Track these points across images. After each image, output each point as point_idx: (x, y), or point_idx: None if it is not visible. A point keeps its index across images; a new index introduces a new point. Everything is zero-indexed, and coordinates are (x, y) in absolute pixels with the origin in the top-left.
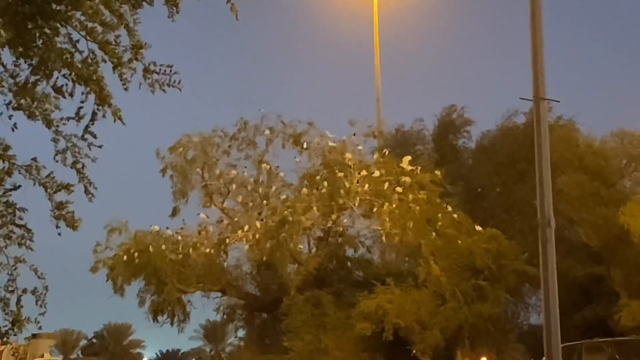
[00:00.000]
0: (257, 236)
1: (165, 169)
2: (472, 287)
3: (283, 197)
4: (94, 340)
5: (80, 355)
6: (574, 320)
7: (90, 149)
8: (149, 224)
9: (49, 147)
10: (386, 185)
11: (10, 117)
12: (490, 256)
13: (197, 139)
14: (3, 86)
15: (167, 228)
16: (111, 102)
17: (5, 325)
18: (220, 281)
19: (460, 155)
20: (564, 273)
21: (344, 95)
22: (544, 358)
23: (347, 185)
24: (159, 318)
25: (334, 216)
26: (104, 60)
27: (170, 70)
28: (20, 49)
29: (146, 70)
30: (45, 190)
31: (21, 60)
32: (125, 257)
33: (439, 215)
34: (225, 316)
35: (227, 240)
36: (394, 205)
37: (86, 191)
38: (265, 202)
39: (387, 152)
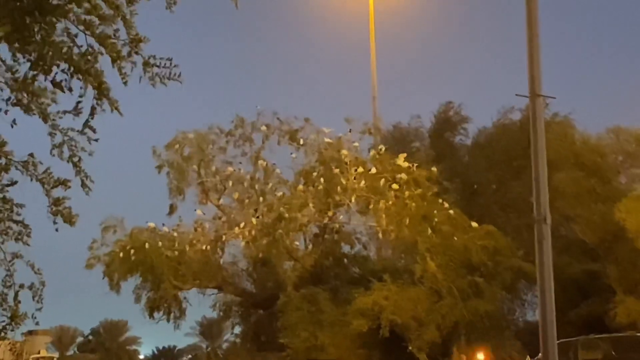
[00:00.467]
0: (253, 233)
1: (162, 166)
2: (468, 283)
3: (279, 194)
4: (90, 337)
5: (77, 352)
6: (569, 317)
7: (90, 143)
8: (145, 221)
9: (45, 142)
10: (382, 182)
11: (6, 112)
12: (487, 253)
13: (193, 136)
14: (0, 81)
15: (163, 225)
16: (110, 95)
17: (3, 321)
18: (217, 278)
19: (457, 152)
20: (560, 270)
21: (340, 92)
22: (540, 354)
23: (344, 182)
24: (155, 315)
25: (330, 213)
26: (101, 53)
27: (170, 64)
28: (17, 45)
29: (146, 64)
30: (43, 186)
31: (19, 56)
32: (121, 254)
33: (435, 212)
34: (221, 313)
35: (223, 237)
36: (390, 202)
37: (83, 185)
38: (261, 199)
39: (383, 149)
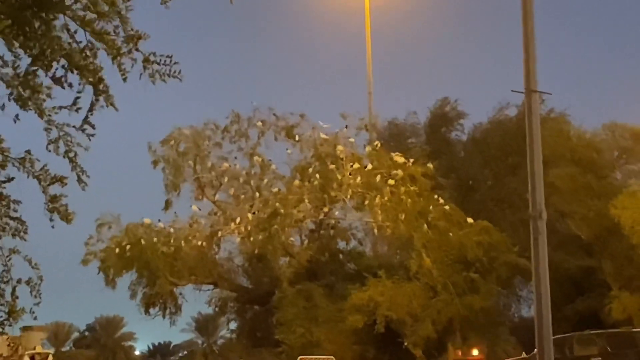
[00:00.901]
0: (249, 228)
1: (157, 161)
2: (464, 279)
3: (275, 189)
4: (86, 333)
5: (72, 348)
6: (565, 313)
7: (90, 140)
8: (141, 217)
9: (41, 138)
10: (378, 177)
11: (3, 107)
12: (482, 249)
13: (188, 132)
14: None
15: (159, 221)
16: (108, 92)
17: (1, 316)
18: (212, 274)
19: (453, 148)
20: (556, 265)
21: (336, 87)
22: (535, 350)
23: (339, 177)
24: (151, 311)
25: (325, 209)
26: (97, 49)
27: (170, 61)
28: (14, 41)
29: (146, 61)
30: (39, 183)
31: (19, 51)
32: (117, 250)
33: (431, 207)
34: (217, 309)
35: (219, 233)
36: (386, 198)
37: (79, 180)
38: (257, 194)
39: (379, 145)
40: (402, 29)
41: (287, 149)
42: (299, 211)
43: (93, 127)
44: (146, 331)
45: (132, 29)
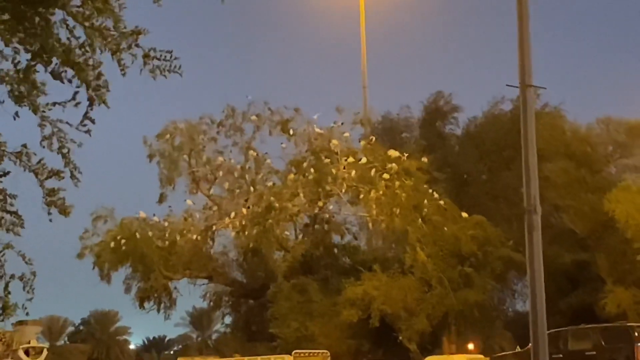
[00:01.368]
0: (243, 223)
1: (153, 155)
2: (459, 273)
3: (270, 183)
4: (81, 327)
5: (67, 342)
6: (560, 307)
7: (90, 136)
8: (136, 211)
9: (38, 132)
10: (373, 171)
11: (2, 102)
12: (477, 243)
13: (184, 126)
14: None
15: (154, 215)
16: (101, 90)
17: None
18: (207, 268)
19: (447, 142)
20: (550, 260)
21: (330, 82)
22: (530, 344)
23: (334, 171)
24: (146, 305)
25: (320, 203)
26: (93, 46)
27: (171, 56)
28: (14, 36)
29: (146, 56)
30: (36, 177)
31: (19, 47)
32: (112, 244)
33: (426, 202)
34: (211, 303)
35: (214, 227)
36: (381, 192)
37: (72, 176)
38: (252, 188)
39: (373, 139)
40: (397, 23)
41: (281, 143)
42: (294, 205)
43: (93, 121)
44: (141, 325)
45: (125, 27)
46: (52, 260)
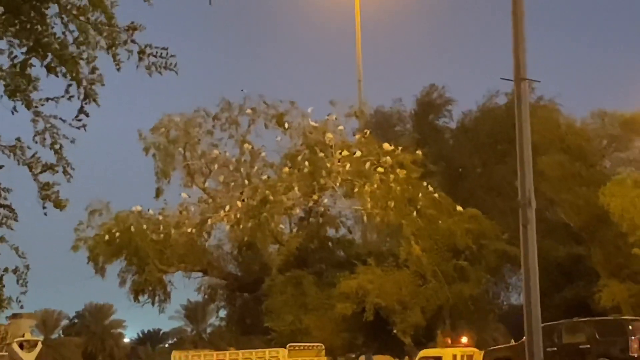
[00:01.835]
0: (238, 216)
1: (148, 148)
2: (453, 267)
3: (265, 177)
4: (75, 321)
5: (62, 335)
6: (554, 300)
7: (86, 130)
8: (131, 205)
9: (29, 127)
10: (367, 165)
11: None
12: (471, 236)
13: (179, 119)
14: None
15: (148, 210)
16: (92, 87)
17: None
18: (202, 261)
19: (441, 135)
20: (545, 253)
21: (325, 75)
22: (524, 338)
23: (329, 165)
24: (140, 298)
25: (315, 196)
26: (85, 39)
27: (167, 53)
28: (8, 29)
29: (142, 52)
30: (30, 171)
31: (14, 41)
32: (106, 237)
33: (420, 195)
34: (206, 296)
35: (209, 221)
36: (375, 185)
37: (64, 172)
38: (246, 182)
39: (368, 132)
40: (392, 17)
41: (277, 137)
42: (289, 199)
43: (87, 115)
44: (135, 319)
45: (117, 26)
46: (47, 254)
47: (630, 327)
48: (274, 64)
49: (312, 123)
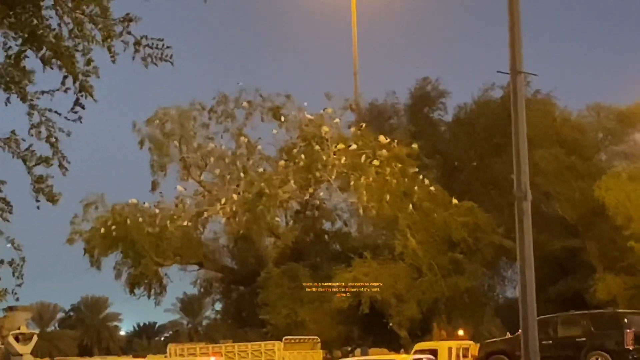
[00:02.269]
0: (234, 209)
1: (143, 141)
2: (449, 260)
3: (260, 170)
4: (71, 313)
5: (57, 328)
6: (550, 293)
7: (81, 122)
8: (127, 198)
9: (24, 120)
10: (363, 158)
11: None
12: (467, 229)
13: (174, 112)
14: None
15: (144, 203)
16: (80, 77)
17: None
18: (198, 254)
19: (437, 129)
20: (541, 246)
21: (321, 69)
22: (519, 331)
23: (324, 158)
24: (136, 291)
25: (311, 189)
26: (80, 31)
27: (163, 45)
28: (3, 21)
29: (137, 44)
30: (25, 163)
31: (10, 33)
32: (102, 230)
33: (416, 188)
34: (202, 289)
35: (205, 213)
36: (371, 179)
37: (60, 165)
38: (242, 175)
39: (363, 126)
40: (388, 9)
41: (273, 130)
42: (285, 192)
43: (83, 107)
44: (131, 312)
45: (113, 19)
46: (43, 246)
47: (625, 320)
48: (269, 57)
49: (308, 116)
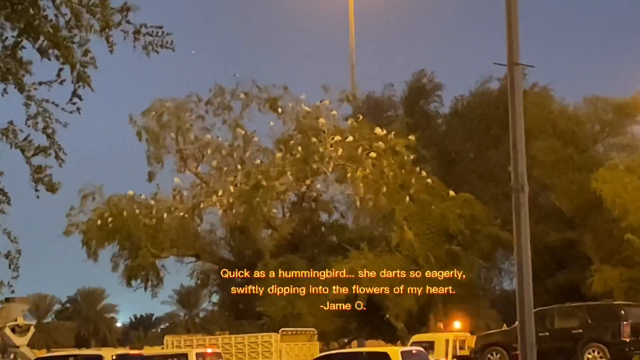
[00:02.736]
0: (231, 201)
1: (140, 133)
2: (446, 252)
3: (257, 162)
4: (68, 305)
5: (54, 320)
6: (546, 285)
7: (80, 113)
8: (124, 189)
9: (22, 110)
10: (360, 150)
11: None
12: (464, 221)
13: (170, 104)
14: None
15: (141, 194)
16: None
17: None
18: (194, 246)
19: (433, 121)
20: (537, 238)
21: (318, 60)
22: (516, 323)
23: (321, 150)
24: (133, 283)
25: (308, 181)
26: (77, 21)
27: (162, 32)
28: (0, 12)
29: (137, 32)
30: (23, 153)
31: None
32: (99, 222)
33: (413, 180)
34: (199, 281)
35: (201, 205)
36: (368, 171)
37: (56, 156)
38: (239, 166)
39: (360, 117)
40: (385, 2)
41: (270, 122)
42: (281, 184)
43: (81, 98)
44: (128, 303)
45: (112, 9)
46: (39, 238)
47: (622, 312)
48: (266, 49)
49: (305, 108)
